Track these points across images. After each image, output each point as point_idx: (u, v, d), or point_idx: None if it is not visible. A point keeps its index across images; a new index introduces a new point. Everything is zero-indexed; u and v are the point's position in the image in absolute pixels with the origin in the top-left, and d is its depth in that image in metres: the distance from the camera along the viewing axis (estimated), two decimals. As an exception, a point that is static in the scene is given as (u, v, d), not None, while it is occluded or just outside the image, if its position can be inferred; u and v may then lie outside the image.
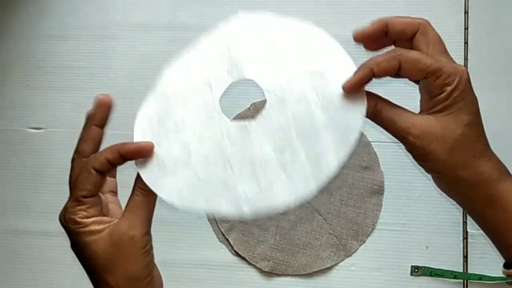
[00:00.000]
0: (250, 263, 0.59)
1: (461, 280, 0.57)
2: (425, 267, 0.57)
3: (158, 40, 0.65)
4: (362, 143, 0.60)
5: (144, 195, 0.35)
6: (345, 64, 0.39)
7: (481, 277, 0.56)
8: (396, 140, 0.63)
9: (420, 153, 0.33)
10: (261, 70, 0.40)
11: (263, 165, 0.37)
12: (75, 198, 0.35)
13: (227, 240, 0.60)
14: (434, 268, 0.57)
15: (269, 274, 0.59)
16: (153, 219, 0.63)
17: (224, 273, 0.60)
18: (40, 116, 0.66)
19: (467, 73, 0.33)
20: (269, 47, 0.41)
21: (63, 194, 0.64)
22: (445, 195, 0.60)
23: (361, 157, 0.60)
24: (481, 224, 0.35)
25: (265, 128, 0.38)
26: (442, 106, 0.32)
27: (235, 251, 0.60)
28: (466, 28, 0.62)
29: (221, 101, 0.40)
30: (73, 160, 0.37)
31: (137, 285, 0.33)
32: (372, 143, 0.60)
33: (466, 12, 0.62)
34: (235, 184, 0.37)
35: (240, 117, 0.62)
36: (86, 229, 0.33)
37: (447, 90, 0.32)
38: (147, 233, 0.34)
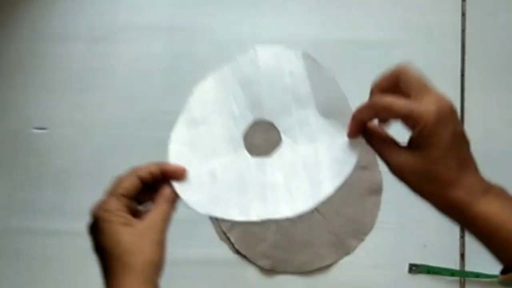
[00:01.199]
0: (250, 261, 0.60)
1: (458, 278, 0.58)
2: (423, 265, 0.58)
3: (159, 41, 0.66)
4: (363, 142, 0.60)
5: (170, 200, 0.42)
6: (343, 104, 0.46)
7: (478, 275, 0.57)
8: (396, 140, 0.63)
9: (400, 181, 0.38)
10: (278, 112, 0.48)
11: (273, 188, 0.46)
12: (115, 193, 0.41)
13: (228, 238, 0.61)
14: (431, 266, 0.58)
15: (269, 272, 0.60)
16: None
17: (225, 270, 0.60)
18: (44, 116, 0.66)
19: (443, 110, 0.36)
20: (284, 85, 0.48)
21: (66, 194, 0.65)
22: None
23: (360, 157, 0.60)
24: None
25: (279, 163, 0.47)
26: (415, 144, 0.36)
27: (236, 249, 0.60)
28: (463, 30, 0.62)
29: (244, 137, 0.48)
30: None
31: (151, 267, 0.40)
32: (371, 143, 0.61)
33: (463, 14, 0.62)
34: (248, 201, 0.46)
35: None
36: (119, 219, 0.40)
37: (415, 131, 0.36)
38: (165, 231, 0.41)
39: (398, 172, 0.38)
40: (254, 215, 0.46)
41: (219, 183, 0.47)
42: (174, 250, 0.63)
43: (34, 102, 0.66)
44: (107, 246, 0.41)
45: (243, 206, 0.46)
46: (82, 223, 0.64)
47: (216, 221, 0.62)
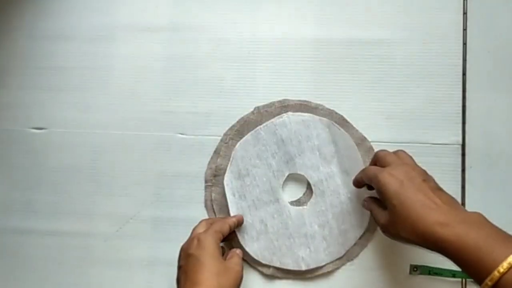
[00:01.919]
0: (251, 266, 0.60)
1: (460, 279, 0.57)
2: (424, 266, 0.58)
3: (158, 41, 0.66)
4: (365, 148, 0.60)
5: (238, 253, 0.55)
6: (359, 164, 0.58)
7: (479, 276, 0.57)
8: (395, 140, 0.63)
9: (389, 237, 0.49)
10: (308, 167, 0.59)
11: (312, 237, 0.58)
12: (215, 230, 0.53)
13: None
14: (433, 267, 0.57)
15: (271, 277, 0.59)
16: (157, 220, 0.64)
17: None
18: (42, 116, 0.66)
19: (394, 182, 0.47)
20: (312, 146, 0.59)
21: (65, 194, 0.65)
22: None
23: (364, 163, 0.60)
24: None
25: (312, 212, 0.58)
26: (384, 204, 0.48)
27: None
28: (464, 29, 0.62)
29: (282, 188, 0.60)
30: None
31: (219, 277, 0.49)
32: (372, 143, 0.61)
33: (464, 13, 0.62)
34: (296, 250, 0.58)
35: (244, 120, 0.62)
36: (217, 239, 0.53)
37: (378, 193, 0.49)
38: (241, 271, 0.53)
39: (382, 228, 0.49)
40: (304, 265, 0.58)
41: (270, 231, 0.58)
42: (175, 250, 0.63)
43: (33, 102, 0.66)
44: (200, 254, 0.51)
45: (294, 256, 0.58)
46: (81, 224, 0.64)
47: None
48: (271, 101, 0.63)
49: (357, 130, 0.61)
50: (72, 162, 0.65)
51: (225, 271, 0.50)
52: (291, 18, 0.65)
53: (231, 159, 0.59)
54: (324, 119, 0.60)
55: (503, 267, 0.39)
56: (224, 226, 0.54)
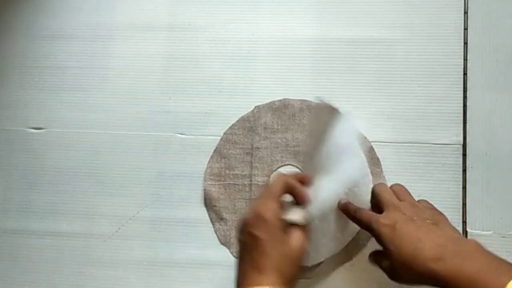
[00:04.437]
0: None
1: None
2: (425, 266, 0.57)
3: (158, 40, 0.65)
4: (366, 148, 0.60)
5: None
6: (369, 184, 0.58)
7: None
8: (396, 140, 0.63)
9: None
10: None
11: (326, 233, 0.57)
12: (273, 196, 0.50)
13: (228, 247, 0.61)
14: (433, 268, 0.57)
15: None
16: (156, 220, 0.63)
17: (225, 273, 0.60)
18: (40, 116, 0.66)
19: (387, 230, 0.48)
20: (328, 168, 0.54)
21: (63, 194, 0.64)
22: (445, 194, 0.60)
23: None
24: None
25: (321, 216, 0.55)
26: (383, 249, 0.49)
27: (235, 256, 0.60)
28: (465, 29, 0.62)
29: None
30: None
31: (285, 278, 0.46)
32: (372, 143, 0.60)
33: (465, 12, 0.62)
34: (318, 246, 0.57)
35: (243, 119, 0.62)
36: (278, 223, 0.49)
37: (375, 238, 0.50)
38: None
39: (389, 276, 0.49)
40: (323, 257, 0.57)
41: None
42: (174, 251, 0.63)
43: (31, 102, 0.66)
44: (263, 240, 0.47)
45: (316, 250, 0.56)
46: (80, 224, 0.64)
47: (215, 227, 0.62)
48: (271, 100, 0.62)
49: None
50: (71, 162, 0.64)
51: (286, 256, 0.47)
52: (291, 17, 0.64)
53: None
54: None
55: None
56: (279, 188, 0.50)
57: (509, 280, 0.39)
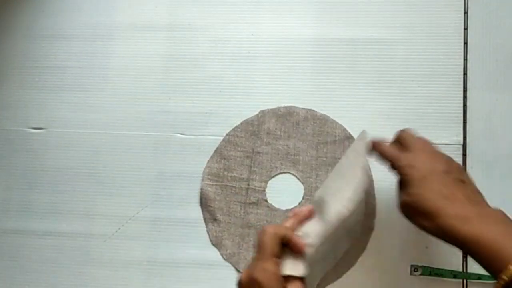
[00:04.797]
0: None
1: (461, 280, 0.57)
2: (425, 266, 0.57)
3: (157, 40, 0.65)
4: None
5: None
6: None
7: (480, 277, 0.56)
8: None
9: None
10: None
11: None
12: (269, 256, 0.47)
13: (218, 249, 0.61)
14: (433, 268, 0.57)
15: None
16: (156, 220, 0.63)
17: (224, 272, 0.60)
18: (40, 116, 0.65)
19: (415, 172, 0.46)
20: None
21: (63, 194, 0.64)
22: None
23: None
24: None
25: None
26: (401, 184, 0.48)
27: (225, 259, 0.60)
28: (465, 28, 0.62)
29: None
30: None
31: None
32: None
33: (465, 12, 0.62)
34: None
35: (247, 122, 0.62)
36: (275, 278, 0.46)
37: (397, 172, 0.48)
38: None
39: (399, 208, 0.47)
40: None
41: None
42: (174, 251, 0.63)
43: (31, 102, 0.66)
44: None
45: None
46: (80, 224, 0.64)
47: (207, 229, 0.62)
48: (271, 100, 0.62)
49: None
50: (71, 162, 0.64)
51: None
52: (291, 17, 0.64)
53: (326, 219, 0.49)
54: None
55: None
56: (275, 246, 0.47)
57: None
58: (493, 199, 0.58)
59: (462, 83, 0.61)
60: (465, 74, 0.61)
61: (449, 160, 0.49)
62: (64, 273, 0.62)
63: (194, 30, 0.65)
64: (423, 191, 0.45)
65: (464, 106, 0.60)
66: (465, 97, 0.61)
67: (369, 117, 0.61)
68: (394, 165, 0.49)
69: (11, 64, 0.67)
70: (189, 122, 0.63)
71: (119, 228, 0.62)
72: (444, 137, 0.60)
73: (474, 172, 0.59)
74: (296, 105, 0.62)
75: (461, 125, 0.60)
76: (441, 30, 0.62)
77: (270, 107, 0.62)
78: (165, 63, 0.65)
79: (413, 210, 0.45)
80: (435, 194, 0.44)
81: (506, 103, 0.60)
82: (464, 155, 0.60)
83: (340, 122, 0.61)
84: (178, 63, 0.65)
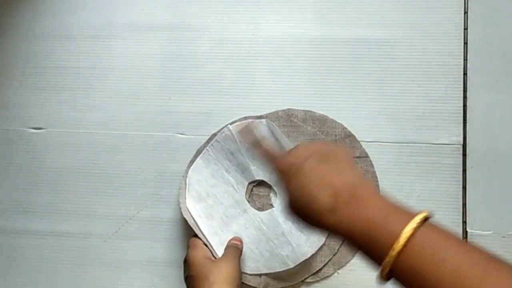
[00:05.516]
0: (244, 283, 0.58)
1: (461, 280, 0.57)
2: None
3: (157, 40, 0.65)
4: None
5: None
6: None
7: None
8: (396, 140, 0.63)
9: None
10: (263, 171, 0.60)
11: (290, 233, 0.57)
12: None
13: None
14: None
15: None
16: (156, 220, 0.63)
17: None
18: (40, 116, 0.66)
19: (283, 166, 0.43)
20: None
21: (63, 194, 0.64)
22: (445, 194, 0.60)
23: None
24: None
25: (282, 210, 0.58)
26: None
27: None
28: (465, 28, 0.62)
29: (247, 198, 0.60)
30: None
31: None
32: (371, 143, 0.60)
33: (465, 12, 0.62)
34: (279, 250, 0.57)
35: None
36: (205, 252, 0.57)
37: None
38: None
39: (286, 210, 0.43)
40: (291, 262, 0.57)
41: (246, 241, 0.58)
42: (174, 251, 0.63)
43: (31, 102, 0.66)
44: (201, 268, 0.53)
45: (278, 257, 0.57)
46: (80, 224, 0.64)
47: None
48: (271, 100, 0.62)
49: (361, 145, 0.60)
50: (71, 162, 0.64)
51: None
52: (291, 17, 0.64)
53: (186, 185, 0.60)
54: (263, 120, 0.60)
55: (399, 243, 0.34)
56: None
57: (401, 229, 0.34)
58: (493, 199, 0.59)
59: (462, 83, 0.61)
60: (465, 74, 0.61)
61: (308, 146, 0.44)
62: (64, 273, 0.62)
63: (194, 30, 0.65)
64: (290, 193, 0.41)
65: (464, 106, 0.60)
66: (465, 97, 0.61)
67: (369, 117, 0.61)
68: (273, 163, 0.46)
69: (11, 64, 0.67)
70: (189, 122, 0.63)
71: (119, 228, 0.62)
72: (444, 137, 0.60)
73: (474, 172, 0.59)
74: (296, 104, 0.62)
75: (461, 125, 0.60)
76: (441, 30, 0.62)
77: (270, 107, 0.62)
78: (165, 63, 0.65)
79: (292, 208, 0.42)
80: (305, 187, 0.40)
81: (506, 103, 0.60)
82: (464, 155, 0.60)
83: (340, 122, 0.61)
84: (178, 63, 0.65)
